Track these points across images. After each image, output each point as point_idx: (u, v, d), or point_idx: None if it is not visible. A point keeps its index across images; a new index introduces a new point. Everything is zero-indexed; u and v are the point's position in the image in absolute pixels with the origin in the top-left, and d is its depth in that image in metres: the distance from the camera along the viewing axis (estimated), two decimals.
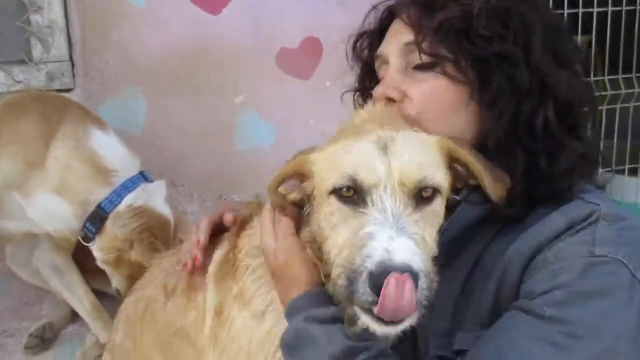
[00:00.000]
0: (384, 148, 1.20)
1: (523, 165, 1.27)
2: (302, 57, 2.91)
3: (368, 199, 1.17)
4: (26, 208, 2.30)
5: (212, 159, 2.86)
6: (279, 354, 1.38)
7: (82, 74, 2.74)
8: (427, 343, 1.36)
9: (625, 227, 1.21)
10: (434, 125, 1.31)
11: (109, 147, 2.33)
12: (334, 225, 1.22)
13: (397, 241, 1.10)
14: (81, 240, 2.35)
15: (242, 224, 1.58)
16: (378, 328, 1.13)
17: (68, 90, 2.68)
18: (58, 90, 2.62)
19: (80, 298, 2.48)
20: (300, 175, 1.32)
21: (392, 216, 1.15)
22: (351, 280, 1.12)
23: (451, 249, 1.30)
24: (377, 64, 1.47)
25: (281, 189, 1.34)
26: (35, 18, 2.62)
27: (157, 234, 2.27)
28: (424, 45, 1.32)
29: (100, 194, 2.29)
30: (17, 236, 2.48)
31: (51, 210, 2.30)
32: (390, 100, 1.38)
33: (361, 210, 1.18)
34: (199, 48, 2.82)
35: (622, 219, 1.22)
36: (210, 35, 2.82)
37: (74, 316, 2.56)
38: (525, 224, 1.27)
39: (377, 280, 1.06)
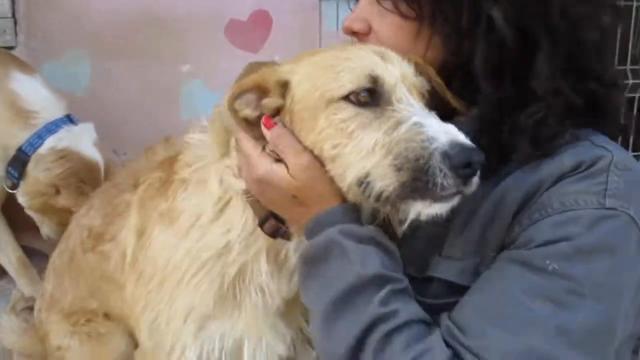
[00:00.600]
0: (382, 56, 1.20)
1: (486, 108, 1.22)
2: (252, 30, 2.92)
3: (393, 98, 1.16)
4: None
5: (156, 128, 2.80)
6: (200, 274, 1.36)
7: (25, 32, 2.70)
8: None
9: (635, 180, 1.15)
10: None
11: (30, 89, 2.30)
12: (352, 131, 1.16)
13: (448, 125, 1.09)
14: (6, 188, 2.32)
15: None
16: (438, 208, 1.10)
17: (10, 48, 2.63)
18: None
19: (7, 254, 2.46)
20: (261, 90, 1.25)
21: (422, 109, 1.15)
22: (419, 170, 1.07)
23: None
24: None
25: (235, 105, 1.25)
26: None
27: (85, 177, 2.25)
28: None
29: (20, 136, 2.25)
30: None
31: None
32: (356, 33, 1.34)
33: (389, 108, 1.16)
34: (147, 13, 2.80)
35: (630, 169, 1.16)
36: (160, 1, 2.80)
37: (1, 274, 2.53)
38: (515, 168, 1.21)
39: (459, 157, 1.05)
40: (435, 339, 1.11)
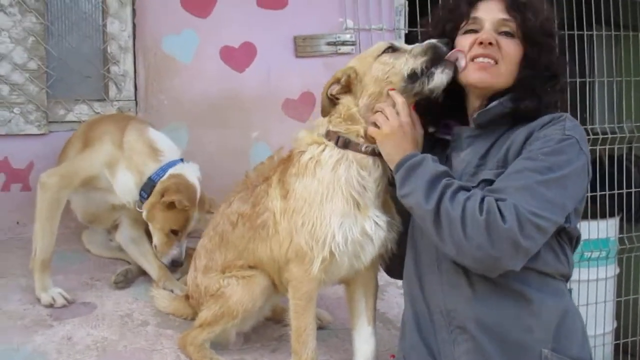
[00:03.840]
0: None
1: (538, 97, 2.08)
2: (301, 106, 3.86)
3: (401, 47, 2.22)
4: (112, 183, 3.00)
5: (233, 179, 3.53)
6: (331, 193, 2.18)
7: (143, 109, 3.67)
8: (460, 179, 2.07)
9: (575, 124, 2.01)
10: (505, 67, 2.09)
11: (160, 138, 3.08)
12: (392, 61, 2.18)
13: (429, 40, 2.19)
14: (137, 208, 2.97)
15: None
16: (449, 71, 2.12)
17: None
18: None
19: (150, 261, 3.13)
20: (337, 80, 2.22)
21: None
22: (433, 48, 2.14)
23: (485, 128, 2.12)
24: (466, 22, 2.16)
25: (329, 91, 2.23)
26: (113, 68, 3.61)
27: (182, 190, 2.89)
28: (514, 24, 2.10)
29: (152, 168, 2.97)
30: (105, 211, 3.19)
31: (125, 183, 3.00)
32: (487, 43, 2.09)
33: (401, 49, 2.21)
34: (227, 95, 3.76)
35: (573, 120, 2.02)
36: (236, 86, 3.77)
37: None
38: (521, 125, 2.06)
39: (444, 40, 2.15)
40: (476, 190, 1.98)
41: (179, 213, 2.90)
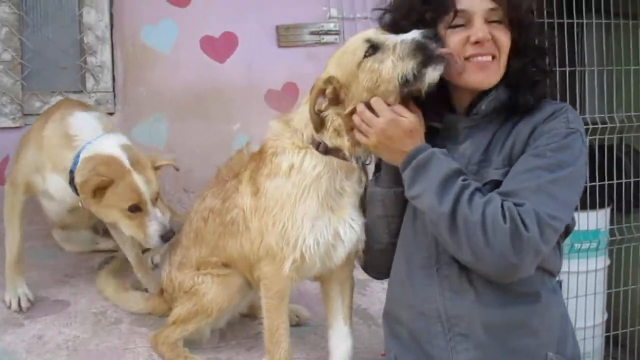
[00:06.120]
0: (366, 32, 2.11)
1: (535, 85, 2.00)
2: (284, 97, 3.76)
3: (382, 40, 1.99)
4: (48, 190, 2.71)
5: (213, 171, 3.54)
6: (305, 195, 2.10)
7: (122, 101, 3.58)
8: None
9: (576, 115, 1.97)
10: (503, 59, 2.00)
11: (75, 121, 2.63)
12: (377, 66, 1.97)
13: (409, 33, 1.97)
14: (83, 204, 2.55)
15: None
16: (440, 67, 1.93)
17: (110, 114, 3.47)
18: None
19: (128, 250, 2.89)
20: (321, 92, 2.04)
21: (395, 36, 2.00)
22: (420, 47, 1.92)
23: (483, 118, 2.02)
24: (453, 16, 1.98)
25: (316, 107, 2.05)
26: (90, 59, 3.52)
27: (102, 171, 2.44)
28: (502, 12, 1.97)
29: (69, 159, 2.54)
30: (68, 215, 2.93)
31: (57, 186, 2.66)
32: (485, 41, 1.97)
33: (384, 45, 1.98)
34: (208, 87, 3.68)
35: (574, 111, 1.98)
36: (217, 77, 3.69)
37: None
38: (522, 118, 1.99)
39: (430, 33, 1.94)
40: (494, 194, 1.88)
41: (116, 189, 2.45)
